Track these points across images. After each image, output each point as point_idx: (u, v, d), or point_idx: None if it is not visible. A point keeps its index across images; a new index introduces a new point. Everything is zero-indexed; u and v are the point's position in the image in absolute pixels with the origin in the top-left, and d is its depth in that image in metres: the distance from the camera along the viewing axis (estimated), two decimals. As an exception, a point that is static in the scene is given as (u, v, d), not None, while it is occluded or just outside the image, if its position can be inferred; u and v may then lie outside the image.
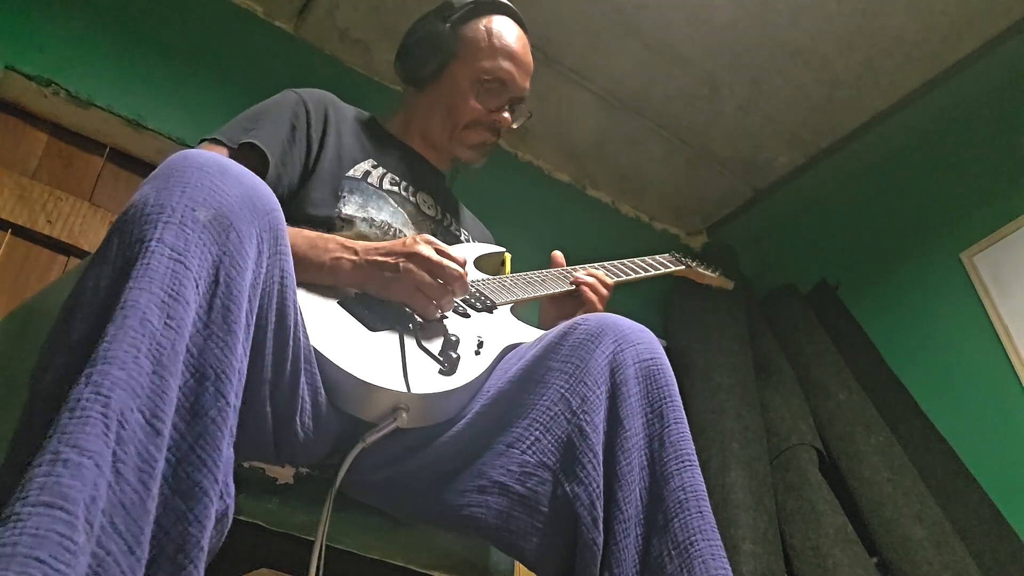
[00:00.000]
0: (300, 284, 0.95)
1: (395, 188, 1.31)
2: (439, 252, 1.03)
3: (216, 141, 1.16)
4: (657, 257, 1.61)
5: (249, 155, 1.15)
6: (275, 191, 1.14)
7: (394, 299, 1.03)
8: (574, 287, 1.32)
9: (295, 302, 0.83)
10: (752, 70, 2.50)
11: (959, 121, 2.56)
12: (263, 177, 1.13)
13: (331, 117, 1.32)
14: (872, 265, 2.71)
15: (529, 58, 1.43)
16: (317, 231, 1.10)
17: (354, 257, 1.02)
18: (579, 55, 2.49)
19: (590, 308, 1.31)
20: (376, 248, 1.04)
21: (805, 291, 2.86)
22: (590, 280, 1.33)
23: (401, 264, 1.01)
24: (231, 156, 1.13)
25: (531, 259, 1.57)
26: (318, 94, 1.35)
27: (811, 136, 2.74)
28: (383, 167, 1.32)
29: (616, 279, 1.42)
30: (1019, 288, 2.21)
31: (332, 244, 1.04)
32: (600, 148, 2.84)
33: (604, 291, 1.33)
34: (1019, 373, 2.14)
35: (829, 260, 2.87)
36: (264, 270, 0.77)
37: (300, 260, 0.99)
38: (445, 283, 1.02)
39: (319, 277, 1.02)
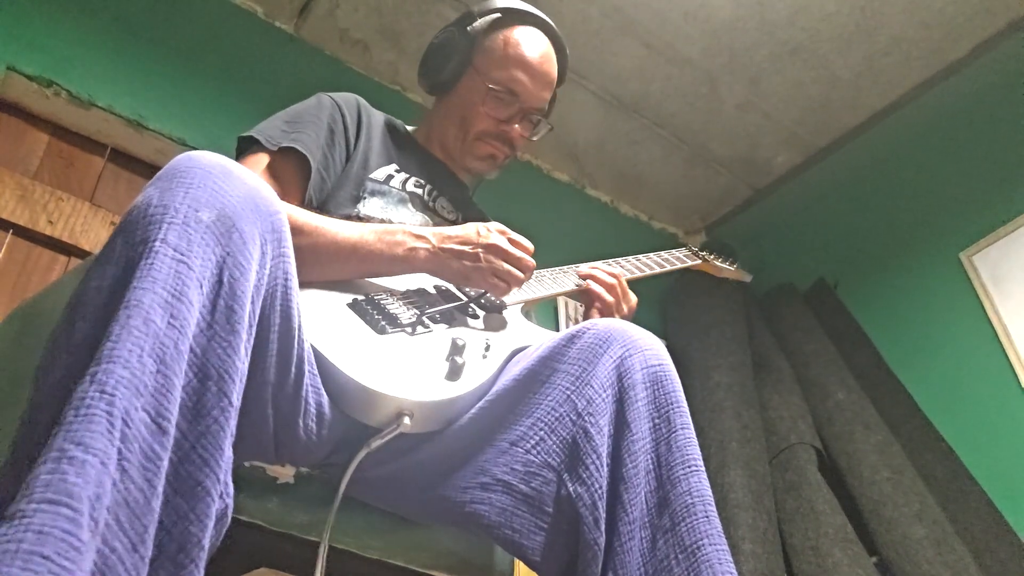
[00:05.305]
0: (308, 286, 0.95)
1: (418, 191, 1.32)
2: (511, 242, 1.10)
3: (254, 141, 1.16)
4: (674, 252, 1.60)
5: (289, 159, 1.16)
6: (320, 195, 1.15)
7: (470, 286, 1.11)
8: (581, 285, 1.33)
9: (298, 304, 0.83)
10: (751, 69, 2.50)
11: (958, 120, 2.56)
12: (305, 180, 1.15)
13: (363, 120, 1.33)
14: (871, 264, 2.71)
15: (549, 69, 1.39)
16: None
17: (428, 246, 1.07)
18: (578, 54, 2.50)
19: (600, 303, 1.30)
20: (449, 236, 1.09)
21: (803, 290, 2.87)
22: (596, 274, 1.33)
23: (481, 255, 1.07)
24: (272, 159, 1.14)
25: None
26: (350, 97, 1.35)
27: (810, 135, 2.74)
28: (406, 172, 1.33)
29: (629, 275, 1.41)
30: (1019, 288, 2.22)
31: (401, 235, 1.08)
32: (599, 147, 2.84)
33: (611, 280, 1.32)
34: (1019, 373, 2.14)
35: (828, 259, 2.88)
36: (267, 271, 0.77)
37: (373, 253, 1.05)
38: (520, 271, 1.10)
39: (392, 268, 1.07)
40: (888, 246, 2.67)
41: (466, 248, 1.07)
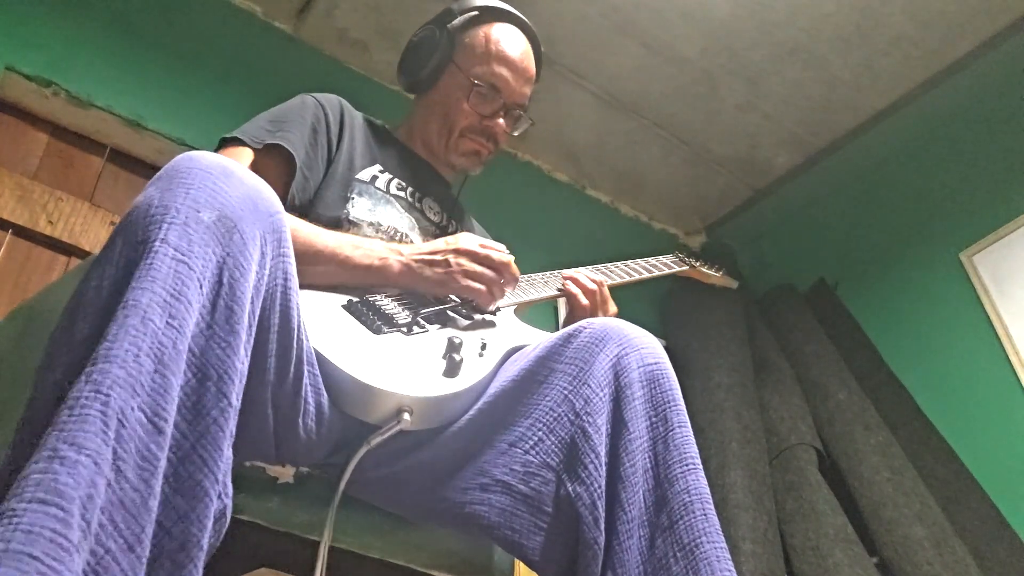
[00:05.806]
0: (305, 287, 0.95)
1: (401, 193, 1.33)
2: (480, 244, 1.11)
3: (238, 140, 1.16)
4: (661, 258, 1.61)
5: (273, 156, 1.16)
6: (303, 195, 1.16)
7: (447, 294, 1.10)
8: (563, 288, 1.33)
9: (298, 304, 0.83)
10: (750, 69, 2.50)
11: (958, 120, 2.56)
12: (289, 179, 1.16)
13: (346, 120, 1.33)
14: (871, 264, 2.71)
15: (529, 65, 1.41)
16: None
17: (401, 258, 1.08)
18: (577, 55, 2.50)
19: (579, 308, 1.31)
20: (420, 249, 1.10)
21: (804, 290, 2.87)
22: (577, 278, 1.33)
23: (451, 259, 1.08)
24: (255, 156, 1.15)
25: (530, 259, 1.57)
26: (332, 98, 1.36)
27: (809, 135, 2.74)
28: (389, 172, 1.33)
29: (617, 280, 1.43)
30: (1019, 288, 2.22)
31: (377, 246, 1.10)
32: (599, 148, 2.84)
33: (591, 286, 1.32)
34: (1019, 373, 2.14)
35: (828, 259, 2.88)
36: (267, 272, 0.77)
37: (347, 260, 1.05)
38: (497, 272, 1.10)
39: (367, 277, 1.07)
40: (888, 246, 2.68)
41: (436, 256, 1.09)
